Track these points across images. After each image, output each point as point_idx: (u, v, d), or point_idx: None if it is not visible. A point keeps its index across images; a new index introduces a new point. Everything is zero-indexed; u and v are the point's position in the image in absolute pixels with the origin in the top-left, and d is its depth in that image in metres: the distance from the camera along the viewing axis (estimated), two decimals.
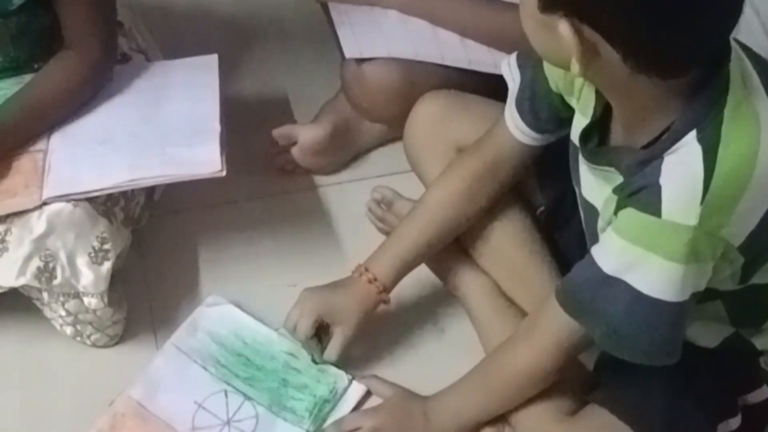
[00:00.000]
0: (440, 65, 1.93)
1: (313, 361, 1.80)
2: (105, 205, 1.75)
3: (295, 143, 2.07)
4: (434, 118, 1.86)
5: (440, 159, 1.81)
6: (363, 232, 1.98)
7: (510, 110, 1.68)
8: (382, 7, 1.98)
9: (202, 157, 1.72)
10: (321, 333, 1.79)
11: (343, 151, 2.11)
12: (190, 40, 2.16)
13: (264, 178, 2.09)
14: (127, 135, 1.78)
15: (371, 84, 1.93)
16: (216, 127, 1.77)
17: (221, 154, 1.72)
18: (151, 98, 1.84)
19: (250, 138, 2.07)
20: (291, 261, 1.96)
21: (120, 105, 1.83)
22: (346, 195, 2.08)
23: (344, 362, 1.81)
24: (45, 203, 1.71)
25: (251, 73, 2.26)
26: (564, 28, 1.27)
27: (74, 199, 1.71)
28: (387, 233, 1.93)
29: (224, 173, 1.70)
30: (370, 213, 2.00)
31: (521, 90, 1.66)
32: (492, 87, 1.85)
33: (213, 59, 1.89)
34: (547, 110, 1.63)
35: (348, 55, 1.92)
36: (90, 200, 1.72)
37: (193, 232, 2.01)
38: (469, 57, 1.93)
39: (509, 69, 1.69)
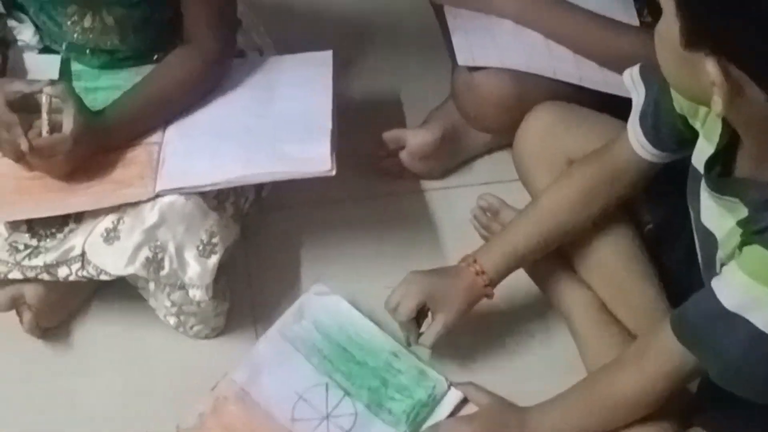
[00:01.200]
0: (551, 79, 1.91)
1: (408, 343, 1.80)
2: (216, 199, 1.77)
3: (403, 147, 2.07)
4: (546, 130, 1.84)
5: (550, 171, 1.80)
6: (467, 239, 1.96)
7: (633, 123, 1.66)
8: (497, 16, 1.96)
9: (313, 155, 1.72)
10: (420, 317, 1.78)
11: (451, 156, 2.11)
12: (304, 38, 2.16)
13: (371, 180, 2.10)
14: (240, 129, 1.79)
15: (482, 93, 1.92)
16: (328, 125, 1.77)
17: (332, 153, 1.72)
18: (264, 93, 1.85)
19: (359, 138, 2.07)
20: (393, 263, 1.95)
21: (234, 99, 1.85)
22: (451, 200, 2.08)
23: (440, 366, 1.81)
24: (158, 195, 1.72)
25: (363, 73, 2.27)
26: (711, 66, 1.24)
27: (187, 192, 1.72)
28: None
29: (334, 172, 1.71)
30: (475, 220, 1.99)
31: (645, 104, 1.64)
32: (601, 104, 1.84)
33: (327, 56, 1.89)
34: (669, 129, 1.61)
35: (461, 62, 1.91)
36: (202, 194, 1.74)
37: (298, 229, 2.02)
38: (580, 73, 1.91)
39: (632, 81, 1.66)
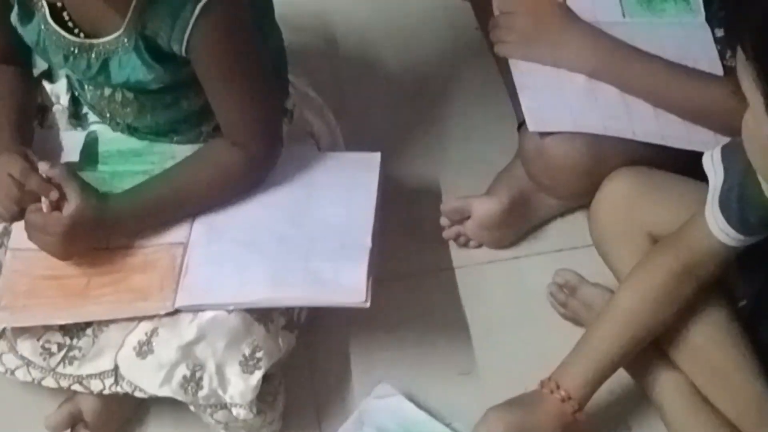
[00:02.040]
0: (629, 140, 1.79)
1: None
2: (263, 309, 1.65)
3: (468, 217, 1.97)
4: (624, 199, 1.75)
5: (630, 244, 1.72)
6: (542, 313, 1.88)
7: (712, 209, 1.57)
8: (569, 70, 1.83)
9: (348, 282, 1.61)
10: None
11: (521, 224, 2.00)
12: (356, 94, 2.12)
13: (435, 251, 1.98)
14: (273, 238, 1.68)
15: (554, 160, 1.81)
16: (367, 243, 1.66)
17: (368, 280, 1.61)
18: (303, 196, 1.75)
19: (422, 206, 1.99)
20: (464, 345, 1.85)
21: (270, 200, 1.73)
22: (523, 271, 1.97)
23: None
24: (177, 310, 1.63)
25: (420, 135, 2.15)
26: None
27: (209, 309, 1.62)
28: (570, 319, 1.86)
29: (368, 304, 1.58)
30: (552, 297, 1.89)
31: (727, 189, 1.55)
32: (685, 163, 1.74)
33: (375, 158, 1.78)
34: (758, 214, 1.52)
35: (532, 128, 1.79)
36: None
37: (359, 313, 1.83)
38: (662, 132, 1.79)
39: (712, 163, 1.58)
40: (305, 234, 1.68)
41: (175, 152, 1.75)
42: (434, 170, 2.09)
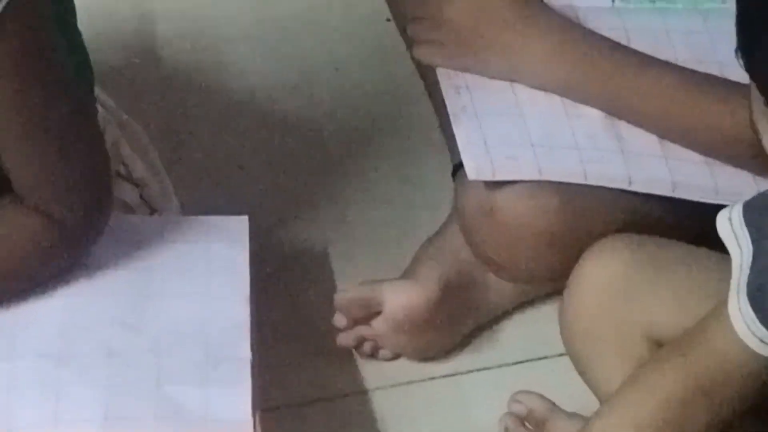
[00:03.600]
0: (620, 190, 1.47)
1: None
2: None
3: (378, 312, 1.58)
4: (612, 285, 1.44)
5: (619, 352, 1.45)
6: None
7: (738, 302, 1.28)
8: (528, 86, 1.51)
9: (223, 414, 1.37)
10: None
11: (457, 322, 1.63)
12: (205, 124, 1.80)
13: (339, 364, 1.63)
14: (100, 350, 1.43)
15: (508, 224, 1.46)
16: (244, 353, 1.40)
17: (254, 414, 1.36)
18: (141, 284, 1.48)
19: (312, 294, 1.64)
20: None
21: (94, 292, 1.47)
22: (464, 394, 1.61)
23: None
24: None
25: (307, 186, 1.79)
26: None
27: None
28: None
29: None
30: None
31: (758, 271, 1.27)
32: (700, 224, 1.39)
33: (241, 224, 1.53)
34: None
35: (473, 175, 1.44)
36: None
37: None
38: (673, 177, 1.46)
39: (731, 228, 1.29)
40: (148, 342, 1.45)
41: None
42: (328, 239, 1.76)
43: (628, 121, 1.50)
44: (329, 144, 1.86)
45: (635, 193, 1.46)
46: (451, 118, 1.50)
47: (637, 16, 1.55)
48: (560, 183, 1.45)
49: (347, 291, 1.63)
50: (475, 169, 1.44)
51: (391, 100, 1.88)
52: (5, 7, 1.26)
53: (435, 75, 1.54)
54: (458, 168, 1.50)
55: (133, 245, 1.51)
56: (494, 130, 1.49)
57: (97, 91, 1.58)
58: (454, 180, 1.56)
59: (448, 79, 1.52)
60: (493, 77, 1.52)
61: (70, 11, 1.50)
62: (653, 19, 1.55)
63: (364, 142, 1.87)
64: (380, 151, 1.85)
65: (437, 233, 1.62)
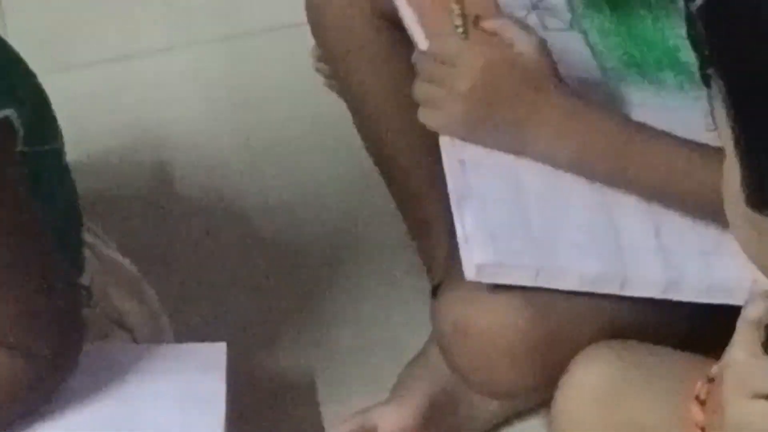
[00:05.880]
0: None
1: None
2: None
3: None
4: (600, 394, 1.33)
5: None
6: None
7: None
8: (536, 160, 1.39)
9: None
10: None
11: None
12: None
13: None
14: None
15: (478, 336, 1.35)
16: None
17: None
18: (116, 416, 1.42)
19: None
20: None
21: (69, 425, 1.41)
22: None
23: None
24: None
25: (292, 314, 1.74)
26: None
27: None
28: None
29: None
30: None
31: None
32: (690, 327, 1.35)
33: (218, 352, 1.48)
34: None
35: (471, 275, 1.30)
36: None
37: None
38: (667, 275, 1.33)
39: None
40: None
41: None
42: (312, 367, 1.70)
43: (632, 191, 1.39)
44: (313, 265, 1.82)
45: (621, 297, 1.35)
46: (455, 202, 1.37)
47: (629, 87, 1.48)
48: (534, 293, 1.32)
49: (340, 425, 1.60)
50: (480, 271, 1.32)
51: (373, 222, 1.84)
52: None
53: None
54: (437, 288, 1.44)
55: (109, 374, 1.47)
56: (497, 221, 1.36)
57: (90, 237, 1.57)
58: (431, 298, 1.49)
59: (452, 148, 1.40)
60: (500, 151, 1.40)
61: (54, 155, 1.46)
62: (644, 90, 1.48)
63: (347, 263, 1.82)
64: (362, 272, 1.79)
65: (421, 352, 1.58)
